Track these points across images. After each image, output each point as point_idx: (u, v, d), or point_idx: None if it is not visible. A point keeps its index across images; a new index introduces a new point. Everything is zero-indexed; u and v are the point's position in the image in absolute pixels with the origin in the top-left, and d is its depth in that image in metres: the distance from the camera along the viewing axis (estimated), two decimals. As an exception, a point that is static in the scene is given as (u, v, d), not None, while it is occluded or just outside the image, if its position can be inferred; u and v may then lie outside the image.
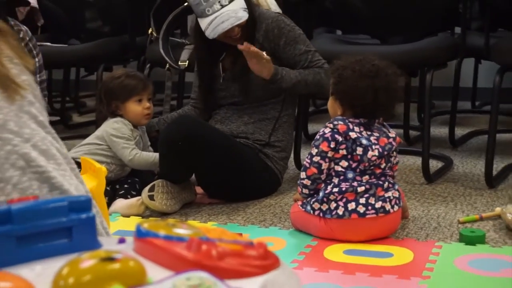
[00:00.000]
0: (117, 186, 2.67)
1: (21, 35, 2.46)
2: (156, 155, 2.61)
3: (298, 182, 2.23)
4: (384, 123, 2.26)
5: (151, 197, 2.49)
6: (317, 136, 2.19)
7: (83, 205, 0.84)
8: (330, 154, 2.15)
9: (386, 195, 2.15)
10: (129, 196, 2.61)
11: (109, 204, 2.50)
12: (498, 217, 2.30)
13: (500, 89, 2.72)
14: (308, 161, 2.18)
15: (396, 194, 2.19)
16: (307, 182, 2.18)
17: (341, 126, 2.14)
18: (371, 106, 2.15)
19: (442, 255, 1.99)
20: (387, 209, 2.13)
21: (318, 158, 2.16)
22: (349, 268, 1.90)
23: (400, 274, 1.84)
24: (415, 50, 2.91)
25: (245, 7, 2.64)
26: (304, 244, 2.13)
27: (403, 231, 2.25)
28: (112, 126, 2.67)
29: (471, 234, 2.09)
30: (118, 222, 2.43)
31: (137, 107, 2.72)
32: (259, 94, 2.75)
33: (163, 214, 2.51)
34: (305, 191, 2.21)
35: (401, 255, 2.00)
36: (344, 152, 2.14)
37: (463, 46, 3.02)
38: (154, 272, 0.73)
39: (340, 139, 2.14)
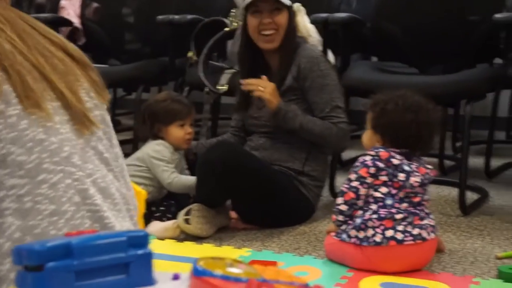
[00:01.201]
0: (153, 208, 2.69)
1: None
2: (194, 179, 2.63)
3: (334, 209, 2.23)
4: (420, 157, 2.27)
5: (186, 221, 2.50)
6: (357, 163, 2.20)
7: (141, 240, 0.84)
8: (369, 180, 2.16)
9: (422, 223, 2.15)
10: (164, 219, 2.63)
11: (144, 226, 2.52)
12: (537, 254, 2.27)
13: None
14: (346, 186, 2.19)
15: (432, 222, 2.19)
16: (343, 207, 2.18)
17: (383, 153, 2.16)
18: (414, 139, 2.17)
19: (480, 292, 1.97)
20: (424, 236, 2.13)
21: (357, 183, 2.17)
22: (386, 302, 1.89)
23: (438, 311, 1.83)
24: (455, 82, 2.90)
25: (290, 4, 2.69)
26: (339, 274, 2.12)
27: (440, 264, 2.23)
28: (153, 149, 2.71)
29: (510, 271, 2.07)
30: (153, 245, 2.43)
31: (180, 132, 2.75)
32: None
33: (198, 238, 2.53)
34: (340, 217, 2.20)
35: (438, 290, 1.99)
36: (385, 178, 2.15)
37: (504, 78, 3.00)
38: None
39: (382, 165, 2.15)
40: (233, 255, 2.32)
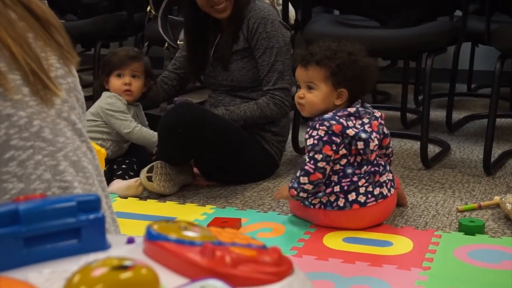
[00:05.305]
0: (115, 167, 2.65)
1: None
2: (156, 134, 2.58)
3: (295, 186, 2.09)
4: (365, 104, 2.18)
5: (149, 178, 2.47)
6: (314, 141, 2.06)
7: (92, 204, 0.81)
8: (333, 157, 2.08)
9: (382, 179, 2.13)
10: (126, 177, 2.59)
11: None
12: (497, 206, 2.29)
13: (500, 75, 2.70)
14: (312, 166, 2.06)
15: (390, 176, 2.18)
16: (309, 187, 2.08)
17: (336, 126, 2.05)
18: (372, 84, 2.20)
19: (441, 245, 1.98)
20: (384, 194, 2.12)
21: (324, 163, 2.06)
22: (349, 256, 1.89)
23: (400, 265, 1.83)
24: (416, 35, 2.87)
25: None
26: (303, 230, 2.12)
27: (402, 218, 2.24)
28: (105, 101, 2.65)
29: (470, 224, 2.08)
30: (116, 204, 2.41)
31: (117, 82, 2.68)
32: (245, 82, 2.71)
33: (161, 196, 2.50)
34: (303, 194, 2.10)
35: (400, 244, 1.99)
36: (344, 151, 2.08)
37: (464, 31, 2.99)
38: (165, 278, 0.71)
39: (338, 140, 2.06)
40: (197, 213, 2.31)
